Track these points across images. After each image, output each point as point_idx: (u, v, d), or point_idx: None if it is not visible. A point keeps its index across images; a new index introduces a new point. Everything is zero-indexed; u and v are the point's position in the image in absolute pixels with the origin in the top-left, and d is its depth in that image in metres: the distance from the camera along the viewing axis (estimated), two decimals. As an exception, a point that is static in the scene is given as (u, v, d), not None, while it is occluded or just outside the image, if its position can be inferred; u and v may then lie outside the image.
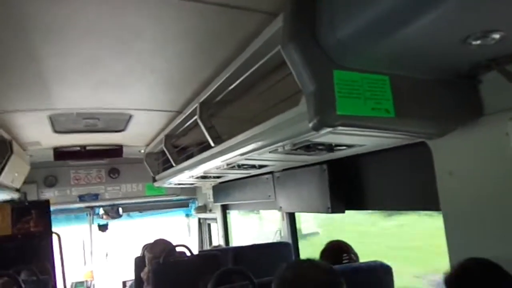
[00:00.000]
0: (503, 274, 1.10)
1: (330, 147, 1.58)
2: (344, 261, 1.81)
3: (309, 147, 1.56)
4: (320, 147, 1.56)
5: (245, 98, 2.07)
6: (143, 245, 3.13)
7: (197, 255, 2.40)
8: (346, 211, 2.23)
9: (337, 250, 1.88)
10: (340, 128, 1.20)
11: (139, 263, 2.94)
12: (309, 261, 1.19)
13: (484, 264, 1.17)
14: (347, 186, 2.16)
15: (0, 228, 3.04)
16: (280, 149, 1.61)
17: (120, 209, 4.73)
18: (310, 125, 1.21)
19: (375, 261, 1.76)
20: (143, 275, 2.54)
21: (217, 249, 2.98)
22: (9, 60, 1.72)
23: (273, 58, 1.53)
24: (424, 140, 1.54)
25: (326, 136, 1.33)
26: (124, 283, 4.12)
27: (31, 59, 1.71)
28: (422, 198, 1.72)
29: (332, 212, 2.17)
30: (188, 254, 2.48)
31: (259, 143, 1.64)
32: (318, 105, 1.17)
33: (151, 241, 2.72)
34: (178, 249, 2.62)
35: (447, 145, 1.48)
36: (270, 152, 1.71)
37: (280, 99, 1.66)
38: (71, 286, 4.47)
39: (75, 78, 1.98)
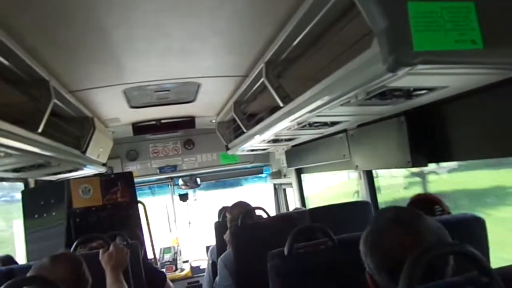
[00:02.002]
0: None
1: (408, 93, 1.45)
2: (437, 213, 1.69)
3: (385, 95, 1.44)
4: (397, 93, 1.43)
5: (312, 53, 1.97)
6: (219, 210, 3.21)
7: (274, 216, 2.41)
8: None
9: (427, 202, 1.75)
10: (419, 67, 1.08)
11: (219, 227, 3.04)
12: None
13: None
14: (429, 137, 2.00)
15: (92, 199, 3.29)
16: (352, 100, 1.51)
17: (198, 179, 4.91)
18: (385, 66, 1.10)
19: (466, 213, 1.62)
20: (225, 237, 2.62)
21: (295, 211, 2.98)
22: (79, 36, 1.79)
23: (337, 3, 1.42)
24: (520, 76, 1.36)
25: (403, 78, 1.21)
26: (207, 248, 4.31)
27: (98, 33, 1.75)
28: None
29: (413, 166, 2.03)
30: (265, 216, 2.50)
31: (330, 96, 1.55)
32: (392, 42, 1.06)
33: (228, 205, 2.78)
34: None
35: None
36: (342, 105, 1.61)
37: (349, 47, 1.56)
38: (160, 251, 4.79)
39: (142, 48, 2.01)
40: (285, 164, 4.17)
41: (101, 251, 1.80)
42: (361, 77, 1.29)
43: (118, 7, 1.54)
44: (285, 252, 1.40)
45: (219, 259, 2.58)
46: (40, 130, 1.91)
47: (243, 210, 2.46)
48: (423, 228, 0.95)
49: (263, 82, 2.25)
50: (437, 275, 0.86)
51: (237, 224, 2.33)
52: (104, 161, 3.77)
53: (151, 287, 2.57)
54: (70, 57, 2.00)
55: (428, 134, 2.01)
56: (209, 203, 5.66)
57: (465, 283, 0.76)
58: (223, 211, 3.31)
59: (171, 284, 2.88)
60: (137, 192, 4.39)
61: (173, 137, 4.64)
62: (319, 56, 1.88)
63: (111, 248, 1.79)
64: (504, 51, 1.11)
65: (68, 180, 3.27)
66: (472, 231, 1.57)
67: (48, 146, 2.07)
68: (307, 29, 1.69)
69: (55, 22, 1.58)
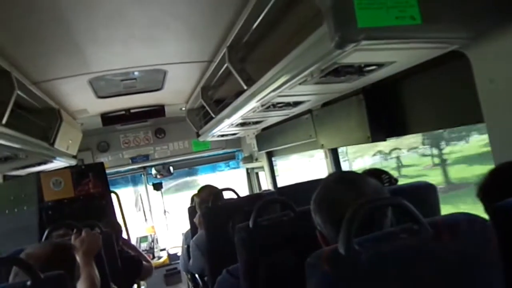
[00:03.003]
0: None
1: (360, 70, 1.54)
2: (385, 181, 1.80)
3: (338, 72, 1.52)
4: (349, 70, 1.51)
5: (271, 36, 2.04)
6: (191, 196, 3.27)
7: (243, 196, 2.48)
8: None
9: (375, 172, 1.86)
10: (364, 42, 1.16)
11: (192, 212, 3.09)
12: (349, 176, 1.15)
13: None
14: (386, 113, 2.11)
15: (64, 191, 3.28)
16: (309, 79, 1.58)
17: (171, 168, 4.94)
18: (332, 44, 1.18)
19: (419, 181, 1.73)
20: (195, 220, 2.68)
21: (264, 191, 3.06)
22: (40, 28, 1.80)
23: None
24: (462, 50, 1.46)
25: (352, 55, 1.28)
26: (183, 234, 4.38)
27: (59, 22, 1.76)
28: (465, 113, 1.65)
29: (373, 141, 2.14)
30: (235, 197, 2.57)
31: (287, 76, 1.62)
32: (337, 20, 1.14)
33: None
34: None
35: (485, 52, 1.40)
36: (300, 83, 1.69)
37: (303, 27, 1.63)
38: (136, 240, 4.82)
39: (104, 36, 2.02)
40: (256, 148, 4.25)
41: (73, 236, 1.83)
42: (314, 55, 1.37)
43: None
44: (250, 225, 1.48)
45: (191, 241, 2.65)
46: (4, 121, 1.90)
47: (212, 193, 2.53)
48: (364, 185, 1.04)
49: (227, 66, 2.30)
50: (376, 227, 0.95)
51: (208, 206, 2.39)
52: (74, 153, 3.75)
53: (127, 274, 2.62)
54: (31, 48, 2.00)
55: (385, 110, 2.12)
56: (184, 191, 5.70)
57: (399, 232, 0.85)
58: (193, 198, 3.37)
59: (148, 266, 2.92)
60: (112, 184, 4.41)
61: (144, 127, 4.63)
62: (278, 38, 1.95)
63: (83, 233, 1.82)
64: (440, 26, 1.20)
65: (38, 174, 3.24)
66: (425, 197, 1.68)
67: (14, 138, 2.07)
68: (264, 12, 1.75)
69: (14, 11, 1.58)
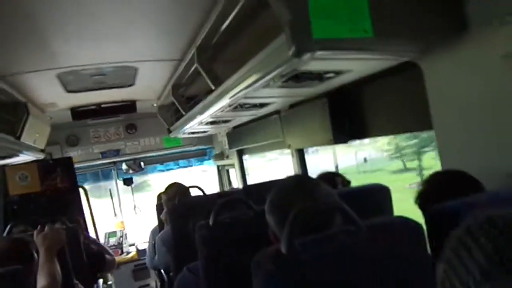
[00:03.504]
0: (470, 182, 1.14)
1: (319, 76, 1.61)
2: (339, 185, 1.88)
3: (299, 78, 1.59)
4: (309, 76, 1.58)
5: (238, 39, 2.08)
6: (157, 194, 3.29)
7: (210, 194, 2.53)
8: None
9: (331, 176, 1.95)
10: (319, 53, 1.23)
11: (160, 209, 3.11)
12: (298, 181, 1.22)
13: (452, 173, 1.22)
14: (348, 117, 2.20)
15: (30, 185, 3.25)
16: (271, 83, 1.64)
17: (142, 163, 4.92)
18: (290, 52, 1.24)
19: (373, 184, 1.81)
20: (162, 216, 2.71)
21: (231, 189, 3.11)
22: (6, 21, 1.78)
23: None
24: (414, 61, 1.55)
25: (309, 63, 1.35)
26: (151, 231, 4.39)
27: (25, 17, 1.75)
28: (418, 120, 1.75)
29: (335, 143, 2.23)
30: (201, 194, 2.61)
31: (251, 79, 1.67)
32: (294, 31, 1.20)
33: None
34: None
35: (436, 64, 1.49)
36: (263, 87, 1.74)
37: (267, 33, 1.68)
38: (105, 236, 4.79)
39: (72, 32, 2.02)
40: (227, 146, 4.29)
41: (35, 232, 1.83)
42: (274, 61, 1.43)
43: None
44: (210, 223, 1.53)
45: (157, 237, 2.68)
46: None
47: (178, 190, 2.56)
48: (316, 190, 1.10)
49: (196, 66, 2.33)
50: (326, 229, 1.01)
51: (174, 203, 2.43)
52: (42, 147, 3.69)
53: (90, 268, 2.63)
54: (-3, 41, 1.98)
55: (348, 114, 2.21)
56: (156, 186, 5.68)
57: (338, 233, 0.92)
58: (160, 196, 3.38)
59: (111, 260, 2.93)
60: (82, 179, 4.37)
61: (115, 122, 4.60)
62: (245, 41, 2.00)
63: (46, 229, 1.83)
64: (392, 40, 1.29)
65: (2, 167, 3.20)
66: (378, 199, 1.76)
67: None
68: (232, 15, 1.80)
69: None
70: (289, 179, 1.23)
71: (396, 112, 1.90)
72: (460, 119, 1.47)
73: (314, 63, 1.36)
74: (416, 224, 0.94)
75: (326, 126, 2.23)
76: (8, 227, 2.05)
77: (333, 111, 2.21)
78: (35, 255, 1.55)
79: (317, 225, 0.98)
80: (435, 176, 1.26)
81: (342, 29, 1.22)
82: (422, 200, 1.21)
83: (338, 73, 1.55)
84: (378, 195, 1.74)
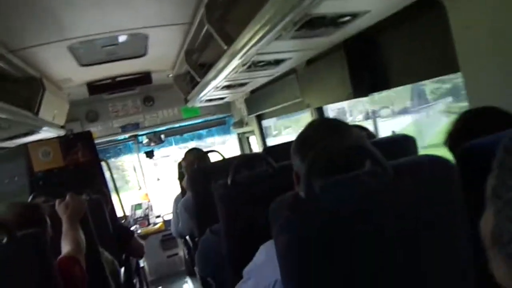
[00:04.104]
0: (503, 117, 1.05)
1: (334, 21, 1.51)
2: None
3: (312, 24, 1.49)
4: (323, 21, 1.48)
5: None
6: (178, 162, 3.27)
7: (228, 158, 2.49)
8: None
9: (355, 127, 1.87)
10: (331, -11, 1.13)
11: (182, 177, 3.11)
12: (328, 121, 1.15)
13: (482, 110, 1.13)
14: (368, 68, 2.09)
15: (53, 161, 3.30)
16: (284, 33, 1.56)
17: (162, 135, 4.93)
18: (300, -9, 1.15)
19: (397, 134, 1.73)
20: (184, 183, 2.71)
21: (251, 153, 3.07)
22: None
23: None
24: (436, -3, 1.43)
25: (321, 4, 1.26)
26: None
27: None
28: (443, 63, 1.64)
29: (355, 97, 2.13)
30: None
31: (262, 32, 1.59)
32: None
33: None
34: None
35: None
36: (276, 39, 1.66)
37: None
38: (131, 208, 4.88)
39: (80, 1, 1.97)
40: (245, 112, 4.23)
41: (57, 201, 1.84)
42: (285, 7, 1.34)
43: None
44: (228, 182, 1.49)
45: (179, 204, 2.68)
46: (-20, 90, 1.88)
47: (197, 156, 2.54)
48: (347, 131, 1.03)
49: (207, 28, 2.25)
50: (351, 169, 0.94)
51: (194, 168, 2.40)
52: (62, 124, 3.72)
53: (118, 242, 2.66)
54: (3, 14, 1.94)
55: (367, 65, 2.10)
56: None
57: (363, 175, 0.86)
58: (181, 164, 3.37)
59: (139, 239, 2.97)
60: (105, 153, 4.40)
61: (132, 95, 4.58)
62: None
63: (67, 198, 1.84)
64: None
65: (25, 145, 3.24)
66: (404, 149, 1.68)
67: (-8, 107, 2.05)
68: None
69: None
70: (318, 120, 1.17)
71: (419, 57, 1.79)
72: (489, 58, 1.36)
73: (326, 3, 1.27)
74: (447, 162, 0.87)
75: (345, 80, 2.13)
76: (31, 197, 2.08)
77: (351, 63, 2.10)
78: (47, 220, 1.54)
79: (342, 166, 0.91)
80: (465, 114, 1.17)
81: (356, -39, 1.12)
82: (452, 140, 1.12)
83: (354, 15, 1.45)
84: (403, 145, 1.67)
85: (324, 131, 1.01)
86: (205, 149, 3.01)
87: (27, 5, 1.92)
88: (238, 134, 4.94)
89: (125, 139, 4.99)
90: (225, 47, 2.15)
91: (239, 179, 1.50)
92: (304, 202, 0.81)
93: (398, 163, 0.88)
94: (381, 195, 0.85)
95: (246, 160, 1.57)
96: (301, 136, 1.05)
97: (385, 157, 0.94)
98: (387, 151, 1.36)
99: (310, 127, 1.06)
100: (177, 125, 4.93)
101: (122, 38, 2.82)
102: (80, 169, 3.32)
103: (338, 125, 1.03)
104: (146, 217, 4.83)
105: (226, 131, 5.38)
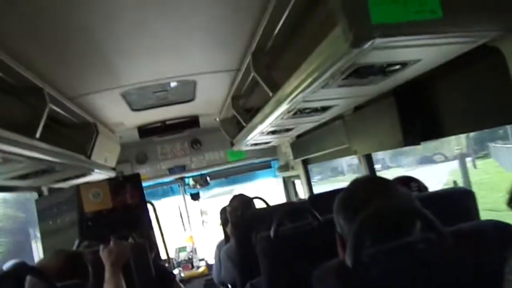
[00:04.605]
0: None
1: (383, 70, 1.46)
2: (413, 190, 1.70)
3: (360, 73, 1.45)
4: (371, 70, 1.44)
5: (293, 42, 2.00)
6: (221, 209, 3.24)
7: (273, 205, 2.43)
8: (423, 143, 2.08)
9: (405, 180, 1.77)
10: (380, 40, 1.10)
11: (225, 222, 3.07)
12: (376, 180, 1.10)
13: None
14: (419, 116, 2.00)
15: (103, 202, 3.38)
16: (330, 81, 1.53)
17: (208, 178, 4.97)
18: (347, 43, 1.12)
19: (455, 187, 1.61)
20: (228, 229, 2.66)
21: (297, 200, 2.99)
22: (69, 43, 1.85)
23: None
24: (494, 44, 1.35)
25: (370, 54, 1.22)
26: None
27: (86, 38, 1.81)
28: (501, 112, 1.53)
29: (405, 145, 2.03)
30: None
31: (308, 80, 1.57)
32: (350, 18, 1.08)
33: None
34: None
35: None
36: (323, 87, 1.63)
37: (323, 30, 1.57)
38: (176, 251, 4.87)
39: (131, 49, 2.06)
40: (291, 156, 4.19)
41: (101, 246, 1.86)
42: (331, 56, 1.31)
43: (96, 8, 1.58)
44: (271, 235, 1.43)
45: (222, 251, 2.63)
46: (37, 135, 1.98)
47: (242, 202, 2.50)
48: (393, 190, 0.96)
49: (254, 74, 2.28)
50: (403, 235, 0.87)
51: (238, 215, 2.37)
52: (113, 166, 3.85)
53: (159, 285, 2.63)
54: (62, 64, 2.07)
55: (418, 113, 2.01)
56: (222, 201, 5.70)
57: (417, 242, 0.78)
58: (224, 209, 3.34)
59: (180, 284, 2.93)
60: (151, 195, 4.47)
61: (180, 138, 4.69)
62: (300, 43, 1.90)
63: (111, 243, 1.85)
64: (464, 19, 1.12)
65: (77, 186, 3.36)
66: (461, 204, 1.57)
67: (48, 151, 2.14)
68: (284, 17, 1.72)
69: (40, 27, 1.63)
70: (362, 178, 1.11)
71: (475, 105, 1.68)
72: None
73: (375, 53, 1.23)
74: (514, 230, 0.77)
75: (395, 127, 2.04)
76: (77, 242, 2.12)
77: (401, 110, 2.02)
78: (90, 269, 1.55)
79: (392, 230, 0.84)
80: None
81: (405, 11, 1.08)
82: None
83: (404, 64, 1.40)
84: (461, 200, 1.55)
85: (370, 191, 0.95)
86: (251, 193, 2.98)
87: (85, 55, 2.04)
88: (284, 177, 4.88)
89: (171, 181, 5.08)
90: (271, 94, 2.16)
91: (283, 232, 1.44)
92: (351, 271, 0.74)
93: (458, 229, 0.79)
94: (437, 265, 0.76)
95: (290, 211, 1.51)
96: (345, 196, 0.99)
97: (442, 213, 0.86)
98: (443, 207, 1.25)
99: (354, 186, 1.00)
100: (222, 168, 4.96)
101: (172, 84, 2.92)
102: (128, 211, 3.37)
103: (384, 184, 0.97)
104: (190, 260, 4.80)
105: (272, 174, 5.33)
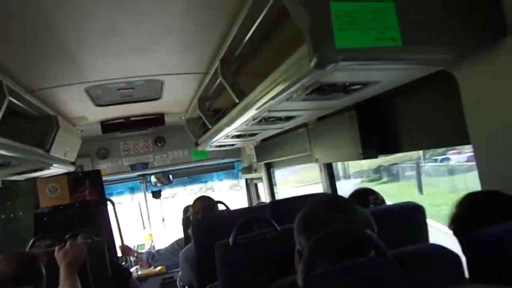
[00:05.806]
0: (509, 203, 1.02)
1: (345, 88, 1.52)
2: (371, 203, 1.78)
3: (323, 90, 1.51)
4: (333, 88, 1.50)
5: (261, 50, 2.04)
6: (184, 207, 3.25)
7: (234, 210, 2.46)
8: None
9: (363, 194, 1.84)
10: (343, 63, 1.14)
11: (187, 222, 3.08)
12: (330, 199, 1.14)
13: (487, 194, 1.10)
14: (378, 130, 2.09)
15: (60, 198, 3.30)
16: (294, 96, 1.57)
17: (170, 176, 4.93)
18: (312, 64, 1.17)
19: (407, 202, 1.70)
20: (189, 231, 2.66)
21: (258, 204, 3.03)
22: (33, 37, 1.80)
23: (277, 2, 1.48)
24: (449, 70, 1.44)
25: (333, 74, 1.27)
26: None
27: (51, 31, 1.76)
28: (453, 133, 1.63)
29: (364, 158, 2.12)
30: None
31: (273, 92, 1.61)
32: (316, 41, 1.13)
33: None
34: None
35: (472, 73, 1.37)
36: (287, 100, 1.67)
37: (290, 44, 1.61)
38: (133, 247, 4.80)
39: (97, 47, 2.03)
40: (255, 159, 4.23)
41: (56, 248, 1.82)
42: (296, 73, 1.36)
43: (67, 6, 1.55)
44: (230, 243, 1.46)
45: (181, 253, 2.63)
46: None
47: (204, 205, 2.51)
48: (353, 211, 1.01)
49: (221, 80, 2.30)
50: (356, 255, 0.91)
51: (198, 217, 2.38)
52: (73, 160, 3.75)
53: (115, 284, 2.60)
54: (24, 57, 2.01)
55: (377, 127, 2.10)
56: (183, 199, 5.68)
57: (365, 264, 0.83)
58: (188, 208, 3.35)
59: (136, 282, 2.91)
60: (111, 191, 4.39)
61: (144, 135, 4.63)
62: (268, 54, 1.94)
63: (67, 245, 1.82)
64: (422, 48, 1.19)
65: (34, 180, 3.26)
66: (412, 218, 1.65)
67: (4, 145, 2.07)
68: (254, 27, 1.75)
69: (4, 20, 1.58)
70: (321, 197, 1.15)
71: (429, 125, 1.78)
72: (500, 133, 1.35)
73: (338, 74, 1.28)
74: (453, 254, 0.84)
75: (355, 140, 2.12)
76: (31, 241, 2.06)
77: (362, 124, 2.10)
78: (43, 272, 1.51)
79: (343, 253, 0.89)
80: (468, 198, 1.14)
81: (368, 38, 1.14)
82: (456, 225, 1.09)
83: (365, 84, 1.46)
84: (412, 214, 1.64)
85: (330, 212, 0.99)
86: (212, 192, 2.99)
87: (49, 48, 1.98)
88: (246, 179, 4.92)
89: (133, 177, 5.00)
90: (237, 101, 2.18)
91: (242, 240, 1.47)
92: (302, 290, 0.78)
93: (403, 251, 0.85)
94: (384, 285, 0.81)
95: (250, 219, 1.54)
96: (306, 216, 1.03)
97: (393, 226, 0.92)
98: (395, 219, 1.32)
99: (315, 205, 1.04)
100: (186, 166, 4.93)
101: (138, 83, 2.88)
102: (86, 207, 3.30)
103: (343, 205, 1.02)
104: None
105: (235, 176, 5.36)
